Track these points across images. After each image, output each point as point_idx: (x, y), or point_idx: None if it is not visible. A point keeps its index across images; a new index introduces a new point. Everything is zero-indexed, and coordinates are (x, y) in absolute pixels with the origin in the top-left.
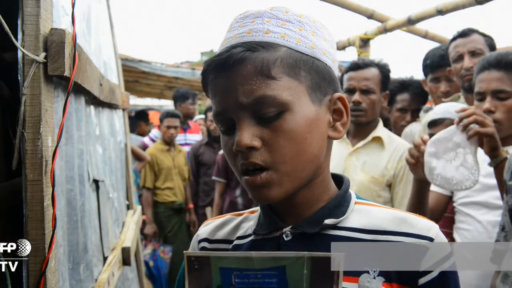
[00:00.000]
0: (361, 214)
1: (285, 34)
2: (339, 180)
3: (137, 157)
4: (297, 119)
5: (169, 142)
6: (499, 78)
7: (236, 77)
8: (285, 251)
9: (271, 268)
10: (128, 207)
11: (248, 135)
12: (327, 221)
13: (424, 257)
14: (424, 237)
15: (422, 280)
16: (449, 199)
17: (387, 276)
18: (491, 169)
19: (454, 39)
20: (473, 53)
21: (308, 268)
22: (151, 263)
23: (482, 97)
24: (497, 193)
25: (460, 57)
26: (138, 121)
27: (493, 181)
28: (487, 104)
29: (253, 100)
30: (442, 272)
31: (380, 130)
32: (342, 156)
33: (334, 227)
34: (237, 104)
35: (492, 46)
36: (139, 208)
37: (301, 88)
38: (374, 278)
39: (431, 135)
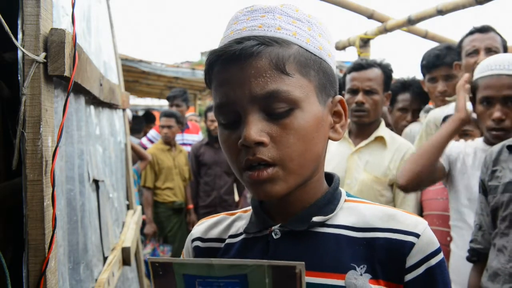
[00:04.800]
0: (350, 212)
1: (296, 33)
2: (330, 178)
3: (138, 155)
4: (306, 118)
5: (168, 142)
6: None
7: (250, 70)
8: (245, 259)
9: (233, 276)
10: (128, 207)
11: (257, 130)
12: (315, 219)
13: (410, 253)
14: (410, 233)
15: (408, 277)
16: (443, 174)
17: (374, 273)
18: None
19: (471, 33)
20: (489, 50)
21: (269, 277)
22: None
23: (490, 103)
24: None
25: (475, 52)
26: (145, 122)
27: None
28: (497, 113)
29: (266, 93)
30: (428, 269)
31: (383, 130)
32: (344, 156)
33: (323, 224)
34: (248, 97)
35: (505, 48)
36: (139, 208)
37: (310, 87)
38: (361, 275)
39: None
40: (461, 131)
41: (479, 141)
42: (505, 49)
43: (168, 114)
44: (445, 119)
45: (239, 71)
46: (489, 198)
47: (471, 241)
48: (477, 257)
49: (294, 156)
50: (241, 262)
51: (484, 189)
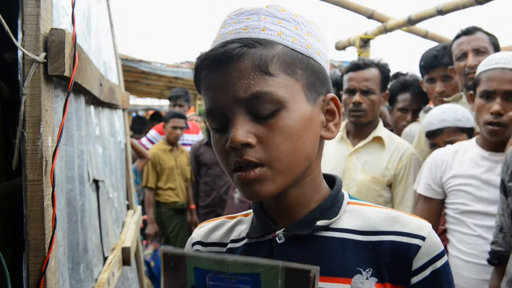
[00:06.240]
0: (354, 215)
1: (281, 32)
2: (331, 180)
3: (138, 154)
4: (293, 117)
5: (173, 143)
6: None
7: (233, 72)
8: (259, 258)
9: (246, 274)
10: (128, 207)
11: (243, 131)
12: (319, 223)
13: (416, 256)
14: (416, 235)
15: (414, 279)
16: (442, 203)
17: (380, 276)
18: (491, 180)
19: (458, 37)
20: (477, 51)
21: (282, 278)
22: (152, 263)
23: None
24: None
25: (464, 55)
26: (151, 122)
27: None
28: (497, 106)
29: (250, 95)
30: (434, 271)
31: (381, 130)
32: (342, 156)
33: (327, 228)
34: (233, 100)
35: (496, 45)
36: (139, 208)
37: (297, 86)
38: (367, 279)
39: (432, 145)
40: (448, 141)
41: (471, 142)
42: (496, 47)
43: (180, 115)
44: (428, 135)
45: (223, 75)
46: (508, 200)
47: (492, 243)
48: (498, 259)
49: (281, 156)
50: (255, 261)
51: (505, 189)
